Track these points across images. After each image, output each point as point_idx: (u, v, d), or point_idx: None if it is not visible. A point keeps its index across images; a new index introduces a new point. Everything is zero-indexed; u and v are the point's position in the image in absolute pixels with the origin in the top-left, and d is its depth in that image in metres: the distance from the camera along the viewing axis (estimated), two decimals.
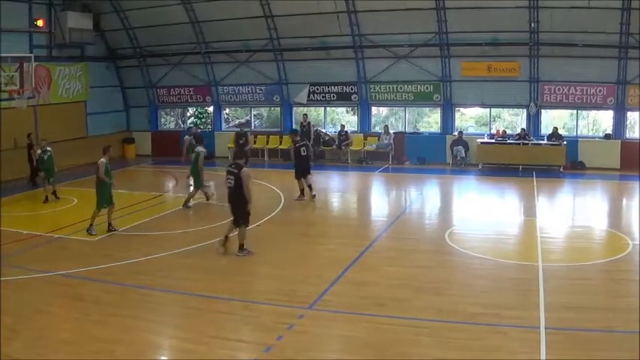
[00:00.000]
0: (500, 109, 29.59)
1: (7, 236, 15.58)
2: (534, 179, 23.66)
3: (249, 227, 14.32)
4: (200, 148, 19.63)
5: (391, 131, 28.41)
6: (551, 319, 9.97)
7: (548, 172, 25.08)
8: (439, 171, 26.55)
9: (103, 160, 16.04)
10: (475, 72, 27.06)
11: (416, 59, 27.66)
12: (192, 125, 29.69)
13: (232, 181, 13.88)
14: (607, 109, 26.33)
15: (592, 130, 28.17)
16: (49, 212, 18.97)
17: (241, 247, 14.04)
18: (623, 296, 11.11)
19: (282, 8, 27.48)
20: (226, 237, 14.23)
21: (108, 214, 16.33)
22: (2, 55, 22.11)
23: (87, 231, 15.91)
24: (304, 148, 20.20)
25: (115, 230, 16.21)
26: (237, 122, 31.73)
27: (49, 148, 20.41)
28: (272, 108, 32.21)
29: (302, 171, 20.14)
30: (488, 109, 29.16)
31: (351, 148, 28.74)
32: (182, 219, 18.30)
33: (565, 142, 25.72)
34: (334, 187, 24.75)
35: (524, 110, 27.56)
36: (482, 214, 19.02)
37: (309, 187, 20.16)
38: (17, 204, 20.13)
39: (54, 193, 20.56)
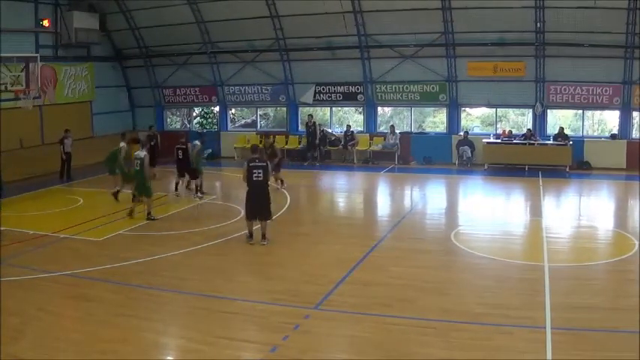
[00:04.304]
0: (506, 109, 29.58)
1: (13, 236, 15.64)
2: (540, 179, 23.62)
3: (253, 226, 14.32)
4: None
5: (397, 131, 28.38)
6: (557, 319, 9.95)
7: (554, 172, 25.01)
8: (445, 171, 26.51)
9: (145, 153, 17.71)
10: (481, 72, 27.01)
11: (422, 59, 27.62)
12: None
13: (261, 175, 14.67)
14: (613, 109, 26.26)
15: (597, 130, 28.12)
16: (56, 212, 18.99)
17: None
18: (629, 296, 11.06)
19: (288, 8, 27.49)
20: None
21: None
22: (8, 55, 22.15)
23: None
24: (181, 151, 21.41)
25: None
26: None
27: None
28: (278, 108, 32.22)
29: (180, 169, 21.57)
30: (494, 109, 29.14)
31: (357, 148, 28.71)
32: (187, 219, 18.31)
33: (571, 142, 25.67)
34: (340, 187, 24.81)
35: (530, 110, 27.54)
36: (488, 214, 19.06)
37: (185, 184, 21.80)
38: (23, 204, 20.17)
39: None
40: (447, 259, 13.92)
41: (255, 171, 14.64)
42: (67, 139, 24.59)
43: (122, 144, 20.45)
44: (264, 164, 14.82)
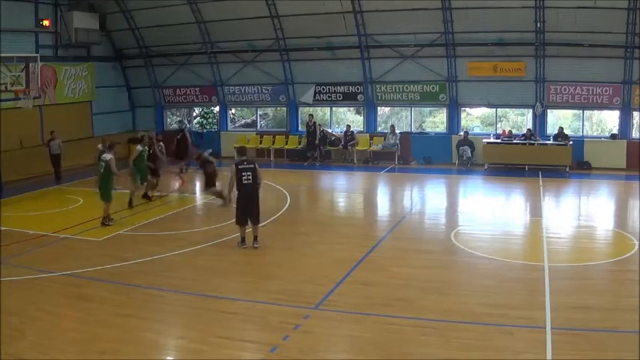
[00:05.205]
0: (506, 109, 29.56)
1: (13, 236, 15.63)
2: (540, 179, 23.61)
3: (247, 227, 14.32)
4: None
5: (397, 131, 28.37)
6: (557, 319, 9.95)
7: (554, 172, 24.98)
8: (445, 171, 26.48)
9: (111, 155, 16.95)
10: (481, 72, 27.02)
11: (422, 59, 27.62)
12: None
13: (250, 177, 14.21)
14: (613, 109, 26.25)
15: (597, 130, 28.13)
16: (55, 212, 18.99)
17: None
18: (629, 296, 11.06)
19: (289, 8, 27.50)
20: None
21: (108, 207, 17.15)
22: (8, 55, 22.15)
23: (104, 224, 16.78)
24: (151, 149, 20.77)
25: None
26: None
27: None
28: (278, 108, 32.22)
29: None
30: (494, 109, 29.12)
31: (357, 148, 28.69)
32: (187, 219, 18.34)
33: (571, 142, 25.66)
34: (340, 187, 24.80)
35: (530, 110, 27.52)
36: (488, 214, 19.04)
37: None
38: (23, 204, 20.17)
39: None
40: (447, 259, 13.91)
41: (244, 174, 14.20)
42: (53, 141, 24.42)
43: (138, 146, 20.35)
44: (253, 166, 14.40)
